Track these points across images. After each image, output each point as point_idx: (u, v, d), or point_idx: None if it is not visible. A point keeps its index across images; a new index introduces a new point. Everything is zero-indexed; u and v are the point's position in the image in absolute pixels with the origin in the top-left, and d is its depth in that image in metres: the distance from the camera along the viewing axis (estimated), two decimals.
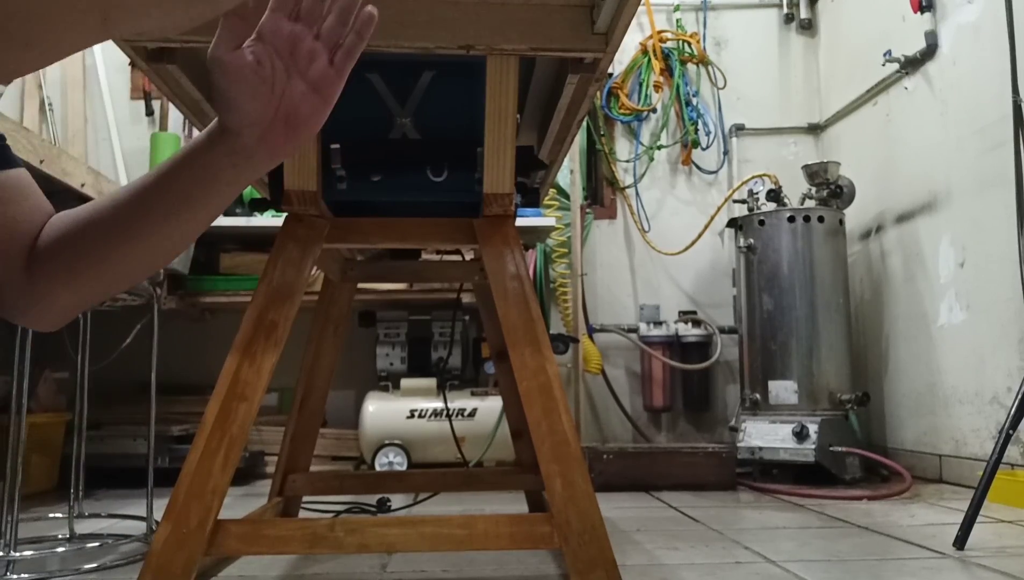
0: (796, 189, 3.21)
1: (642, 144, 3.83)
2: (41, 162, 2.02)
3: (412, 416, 3.08)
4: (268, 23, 0.64)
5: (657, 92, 3.79)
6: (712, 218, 3.64)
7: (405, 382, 3.19)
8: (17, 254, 0.73)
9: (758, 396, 3.01)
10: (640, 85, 3.80)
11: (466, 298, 2.92)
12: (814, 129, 3.86)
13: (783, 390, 2.95)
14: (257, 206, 1.69)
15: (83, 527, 2.01)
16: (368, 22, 0.66)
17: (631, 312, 3.77)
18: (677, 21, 3.85)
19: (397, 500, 2.35)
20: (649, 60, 3.78)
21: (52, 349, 2.66)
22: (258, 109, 0.66)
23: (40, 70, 3.58)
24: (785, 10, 3.87)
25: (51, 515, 2.26)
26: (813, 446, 2.77)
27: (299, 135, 0.68)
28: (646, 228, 3.77)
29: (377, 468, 3.03)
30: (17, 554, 1.62)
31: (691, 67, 3.86)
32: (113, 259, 0.73)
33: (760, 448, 2.86)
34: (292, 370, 1.87)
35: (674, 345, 3.59)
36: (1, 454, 1.81)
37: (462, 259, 2.93)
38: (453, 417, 3.06)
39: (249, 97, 0.65)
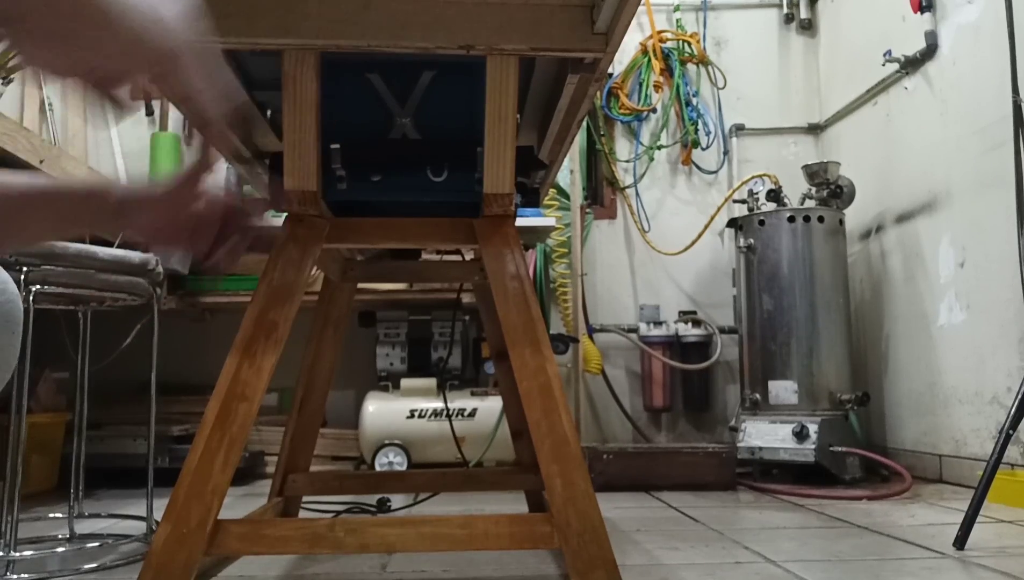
0: (796, 189, 3.21)
1: (642, 144, 3.83)
2: (41, 162, 2.02)
3: (412, 416, 3.08)
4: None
5: (657, 92, 3.79)
6: (712, 218, 3.64)
7: (405, 382, 3.19)
8: None
9: (758, 396, 3.00)
10: (640, 85, 3.79)
11: (466, 298, 2.91)
12: (814, 129, 3.86)
13: (783, 390, 2.95)
14: None
15: (83, 527, 2.01)
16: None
17: (631, 312, 3.77)
18: (677, 21, 3.85)
19: (397, 500, 2.35)
20: (649, 60, 3.78)
21: (52, 349, 2.67)
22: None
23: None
24: (785, 10, 3.87)
25: (51, 515, 2.26)
26: (813, 446, 2.77)
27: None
28: (646, 228, 3.77)
29: (377, 468, 3.03)
30: (17, 554, 1.62)
31: (691, 67, 3.85)
32: None
33: (760, 448, 2.86)
34: (292, 370, 1.87)
35: (674, 345, 3.59)
36: (1, 454, 1.81)
37: (462, 259, 2.93)
38: (453, 417, 3.06)
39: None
